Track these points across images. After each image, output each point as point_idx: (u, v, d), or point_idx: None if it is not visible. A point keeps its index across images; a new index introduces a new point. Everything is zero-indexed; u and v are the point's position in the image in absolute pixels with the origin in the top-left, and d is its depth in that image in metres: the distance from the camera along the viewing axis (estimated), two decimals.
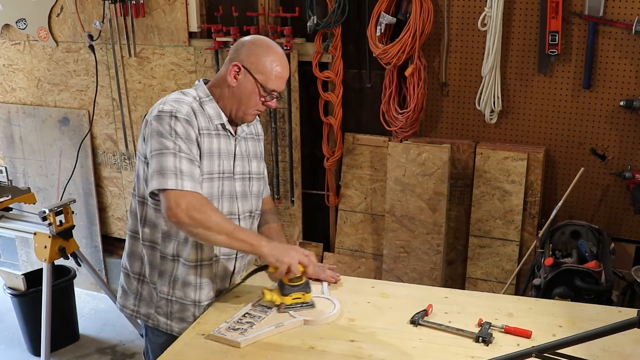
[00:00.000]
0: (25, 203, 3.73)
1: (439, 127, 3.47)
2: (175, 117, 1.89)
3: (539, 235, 3.06)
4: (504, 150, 3.25)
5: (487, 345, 1.77)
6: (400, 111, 3.37)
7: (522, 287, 3.19)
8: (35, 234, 3.44)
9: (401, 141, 3.41)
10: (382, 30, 3.26)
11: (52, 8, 3.98)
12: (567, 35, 3.08)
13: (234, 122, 2.06)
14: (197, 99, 2.00)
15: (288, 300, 1.96)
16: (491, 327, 1.84)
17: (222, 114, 2.01)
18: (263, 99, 2.00)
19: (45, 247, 3.39)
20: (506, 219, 3.26)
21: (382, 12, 3.24)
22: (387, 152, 3.41)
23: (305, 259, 1.94)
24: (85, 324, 4.06)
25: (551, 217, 3.08)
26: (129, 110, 4.02)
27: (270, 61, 1.96)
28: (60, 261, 3.52)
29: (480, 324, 1.85)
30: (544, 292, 2.69)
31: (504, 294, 3.19)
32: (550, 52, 3.07)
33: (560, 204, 3.09)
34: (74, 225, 3.50)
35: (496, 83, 3.20)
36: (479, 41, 3.24)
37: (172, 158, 1.86)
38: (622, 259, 3.18)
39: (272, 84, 1.98)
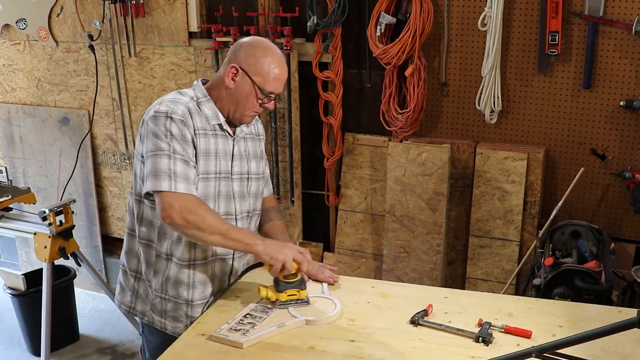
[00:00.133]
0: (25, 203, 3.73)
1: (439, 127, 3.47)
2: (171, 118, 1.90)
3: (539, 235, 3.06)
4: (504, 150, 3.25)
5: (487, 345, 1.77)
6: (400, 111, 3.37)
7: (522, 287, 3.19)
8: (35, 234, 3.44)
9: (401, 141, 3.41)
10: (382, 30, 3.26)
11: (52, 8, 3.98)
12: (567, 35, 3.08)
13: (233, 123, 2.06)
14: (195, 99, 2.00)
15: (283, 297, 1.97)
16: (491, 327, 1.84)
17: (220, 114, 2.02)
18: (260, 101, 2.00)
19: (45, 247, 3.39)
20: (506, 219, 3.26)
21: (382, 12, 3.24)
22: (387, 152, 3.41)
23: (299, 256, 1.96)
24: (85, 324, 4.06)
25: (551, 217, 3.08)
26: (129, 110, 4.02)
27: (268, 63, 1.96)
28: (60, 261, 3.52)
29: (480, 324, 1.85)
30: (544, 292, 2.69)
31: (504, 294, 3.19)
32: (550, 52, 3.07)
33: (560, 204, 3.09)
34: (74, 225, 3.50)
35: (496, 83, 3.20)
36: (479, 41, 3.24)
37: (167, 160, 1.87)
38: (622, 259, 3.18)
39: (269, 86, 1.98)
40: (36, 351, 3.67)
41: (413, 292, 2.15)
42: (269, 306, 1.99)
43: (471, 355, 1.74)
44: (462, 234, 3.44)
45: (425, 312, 1.93)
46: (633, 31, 2.93)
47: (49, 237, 3.39)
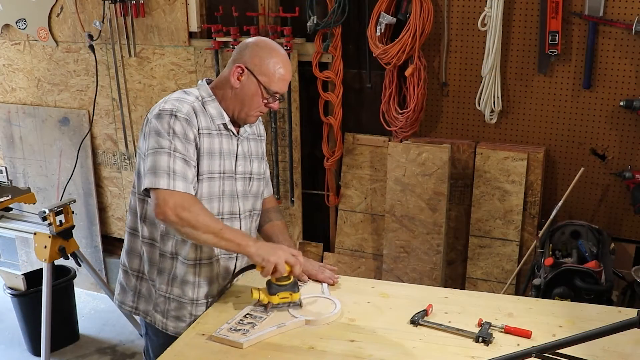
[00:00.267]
0: (25, 203, 3.73)
1: (439, 127, 3.47)
2: (175, 116, 1.90)
3: (539, 235, 3.06)
4: (504, 150, 3.25)
5: (487, 345, 1.77)
6: (400, 111, 3.37)
7: (522, 287, 3.19)
8: (35, 234, 3.44)
9: (401, 141, 3.41)
10: (382, 30, 3.26)
11: (52, 8, 3.98)
12: (567, 35, 3.08)
13: (237, 122, 2.06)
14: (200, 98, 2.01)
15: (275, 299, 1.96)
16: (491, 327, 1.84)
17: (225, 114, 2.02)
18: (266, 101, 2.01)
19: (45, 247, 3.39)
20: (506, 219, 3.26)
21: (382, 12, 3.24)
22: (387, 152, 3.41)
23: (291, 259, 1.94)
24: (85, 324, 4.06)
25: (551, 217, 3.08)
26: (129, 110, 4.02)
27: (274, 63, 1.97)
28: (60, 261, 3.52)
29: (480, 324, 1.85)
30: (544, 292, 2.69)
31: (504, 294, 3.19)
32: (550, 52, 3.07)
33: (560, 204, 3.09)
34: (74, 225, 3.50)
35: (496, 83, 3.20)
36: (479, 41, 3.24)
37: (167, 157, 1.87)
38: (622, 259, 3.18)
39: (275, 85, 1.99)
40: (36, 351, 3.67)
41: (413, 292, 2.15)
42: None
43: (471, 355, 1.74)
44: (462, 234, 3.44)
45: (425, 312, 1.93)
46: (633, 31, 2.93)
47: (49, 237, 3.39)
